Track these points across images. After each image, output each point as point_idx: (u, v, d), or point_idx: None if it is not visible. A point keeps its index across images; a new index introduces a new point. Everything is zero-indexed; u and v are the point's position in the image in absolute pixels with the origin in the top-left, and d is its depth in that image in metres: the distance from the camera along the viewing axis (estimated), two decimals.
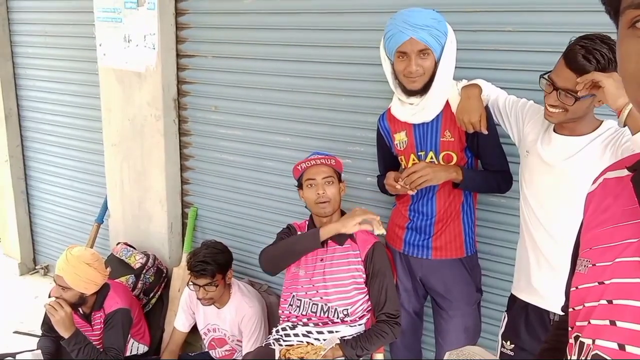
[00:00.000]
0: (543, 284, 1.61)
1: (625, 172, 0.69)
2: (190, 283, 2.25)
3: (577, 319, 0.67)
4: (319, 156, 2.01)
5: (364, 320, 2.02)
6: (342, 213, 2.05)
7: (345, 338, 1.94)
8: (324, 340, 1.92)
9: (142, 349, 2.59)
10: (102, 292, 2.35)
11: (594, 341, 0.62)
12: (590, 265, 0.66)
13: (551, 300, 1.60)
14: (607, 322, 0.60)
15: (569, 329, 0.69)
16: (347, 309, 1.97)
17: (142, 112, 2.80)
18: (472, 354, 1.14)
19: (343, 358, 1.88)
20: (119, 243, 2.97)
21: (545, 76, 1.48)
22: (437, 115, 1.79)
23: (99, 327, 2.36)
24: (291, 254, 1.98)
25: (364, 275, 1.97)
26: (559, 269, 1.56)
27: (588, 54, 1.36)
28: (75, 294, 2.26)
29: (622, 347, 0.58)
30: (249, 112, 2.62)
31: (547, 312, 1.62)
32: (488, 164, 1.84)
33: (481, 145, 1.78)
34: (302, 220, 2.15)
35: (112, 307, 2.34)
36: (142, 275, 2.77)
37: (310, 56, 2.36)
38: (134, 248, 2.93)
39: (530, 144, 1.60)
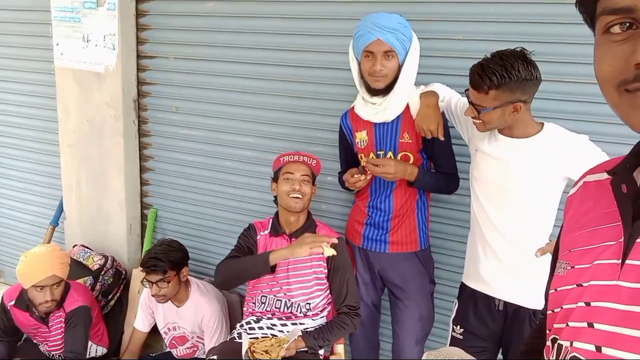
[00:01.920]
0: (490, 273, 1.74)
1: (604, 176, 0.69)
2: (144, 280, 2.26)
3: (555, 321, 0.67)
4: (302, 153, 2.07)
5: (325, 313, 2.10)
6: (309, 215, 2.12)
7: (308, 329, 2.01)
8: (287, 332, 1.98)
9: (101, 351, 2.57)
10: (62, 296, 2.32)
11: (571, 343, 0.62)
12: (570, 268, 0.67)
13: (497, 288, 1.74)
14: (584, 324, 0.61)
15: (547, 331, 0.70)
16: (309, 304, 2.04)
17: (101, 113, 2.77)
18: (450, 355, 1.18)
19: (305, 348, 1.95)
20: (75, 245, 2.92)
21: (467, 91, 1.65)
22: (398, 117, 1.90)
23: (58, 327, 2.33)
24: (243, 277, 2.03)
25: (326, 271, 2.05)
26: (505, 260, 1.71)
27: (482, 72, 1.53)
28: (62, 285, 2.27)
29: (598, 348, 0.58)
30: (210, 113, 2.66)
31: (493, 298, 1.76)
32: (440, 166, 1.97)
33: (436, 149, 1.91)
34: (265, 218, 2.20)
35: (73, 305, 2.32)
36: (101, 277, 2.74)
37: (270, 59, 2.43)
38: (91, 250, 2.89)
39: (479, 143, 1.74)
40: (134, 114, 2.82)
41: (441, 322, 2.16)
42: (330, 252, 1.83)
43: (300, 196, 2.00)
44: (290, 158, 2.05)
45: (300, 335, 1.94)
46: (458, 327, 1.85)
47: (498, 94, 1.53)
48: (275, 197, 2.09)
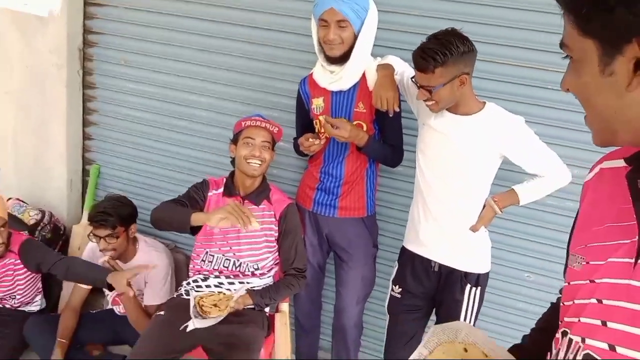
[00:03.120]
0: (428, 237, 1.88)
1: (622, 163, 0.68)
2: (91, 234, 2.22)
3: (567, 315, 0.68)
4: (264, 119, 2.06)
5: (272, 273, 2.17)
6: (264, 179, 2.14)
7: (255, 288, 2.08)
8: (235, 290, 2.04)
9: (42, 302, 2.51)
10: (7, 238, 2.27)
11: (583, 339, 0.63)
12: (585, 263, 0.67)
13: (434, 250, 1.88)
14: (598, 322, 0.61)
15: (559, 322, 0.71)
16: (258, 264, 2.10)
17: (43, 60, 2.63)
18: (457, 330, 1.21)
19: (252, 306, 2.02)
20: (10, 198, 2.79)
21: (412, 79, 1.73)
22: (354, 87, 1.96)
23: (12, 272, 2.29)
24: (168, 224, 1.99)
25: (276, 234, 2.11)
26: (443, 226, 1.85)
27: (424, 54, 1.62)
28: (6, 228, 2.23)
29: (612, 347, 0.59)
30: (162, 69, 2.59)
31: (430, 260, 1.90)
32: (388, 137, 2.05)
33: (387, 121, 1.98)
34: (220, 177, 2.21)
35: (19, 241, 2.29)
36: (37, 232, 2.66)
37: (229, 17, 2.39)
38: (27, 204, 2.78)
39: (426, 117, 1.84)
40: (79, 64, 2.69)
41: (381, 286, 2.30)
42: (255, 225, 1.82)
43: (259, 162, 2.02)
44: (253, 123, 2.04)
45: (247, 292, 2.00)
46: (397, 286, 1.99)
47: (443, 71, 1.62)
48: (233, 158, 2.10)
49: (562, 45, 0.63)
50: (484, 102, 1.78)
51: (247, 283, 2.08)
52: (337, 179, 2.06)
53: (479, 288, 1.88)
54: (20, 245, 2.29)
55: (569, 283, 0.69)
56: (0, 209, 2.22)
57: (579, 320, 0.64)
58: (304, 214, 2.17)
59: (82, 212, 2.88)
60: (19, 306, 2.42)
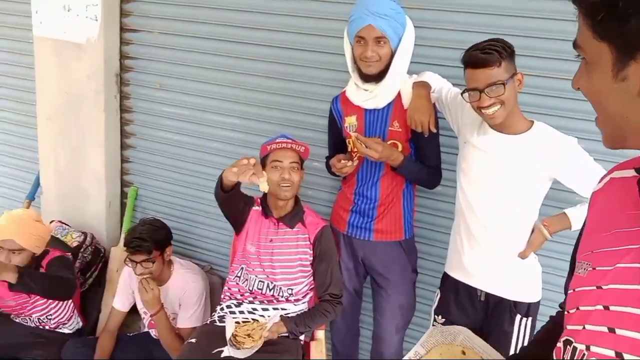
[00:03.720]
0: (473, 264, 1.76)
1: (632, 173, 0.68)
2: (128, 260, 2.22)
3: (570, 322, 0.66)
4: (289, 140, 2.01)
5: (307, 299, 2.10)
6: (297, 200, 2.09)
7: (289, 315, 2.01)
8: (269, 317, 1.98)
9: (79, 323, 2.52)
10: (40, 256, 2.29)
11: (588, 347, 0.61)
12: (591, 269, 0.65)
13: (479, 278, 1.76)
14: (604, 329, 0.59)
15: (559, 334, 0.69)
16: (292, 289, 2.04)
17: (81, 86, 2.68)
18: (456, 333, 1.16)
19: (287, 333, 1.95)
20: (52, 221, 2.85)
21: (463, 94, 1.60)
22: (389, 105, 1.88)
23: None
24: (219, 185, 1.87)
25: (311, 258, 2.04)
26: (488, 251, 1.72)
27: (486, 49, 1.52)
28: (27, 255, 2.21)
29: (619, 355, 0.57)
30: (195, 92, 2.59)
31: (475, 289, 1.78)
32: (425, 157, 1.95)
33: (423, 141, 1.89)
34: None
35: (51, 256, 2.30)
36: (80, 254, 2.69)
37: (262, 39, 2.37)
38: (70, 226, 2.83)
39: (468, 134, 1.73)
40: (116, 89, 2.73)
41: (422, 312, 2.19)
42: (265, 187, 1.68)
43: (289, 184, 1.97)
44: (278, 145, 2.00)
45: (281, 320, 1.94)
46: (439, 316, 1.87)
47: (507, 66, 1.53)
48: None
49: (576, 45, 0.62)
50: (532, 121, 1.65)
51: (282, 309, 2.02)
52: (372, 200, 1.98)
53: (530, 318, 1.75)
54: (48, 262, 2.30)
55: (573, 290, 0.67)
56: (21, 233, 2.16)
57: (584, 328, 0.62)
58: (339, 237, 2.09)
59: (121, 234, 2.90)
60: (55, 327, 2.44)
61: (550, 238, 1.69)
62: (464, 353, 1.31)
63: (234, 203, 2.00)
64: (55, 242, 2.66)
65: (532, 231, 1.70)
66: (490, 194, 1.68)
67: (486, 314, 1.79)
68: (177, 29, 2.55)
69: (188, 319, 2.29)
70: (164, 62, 2.63)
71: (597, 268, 0.64)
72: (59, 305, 2.40)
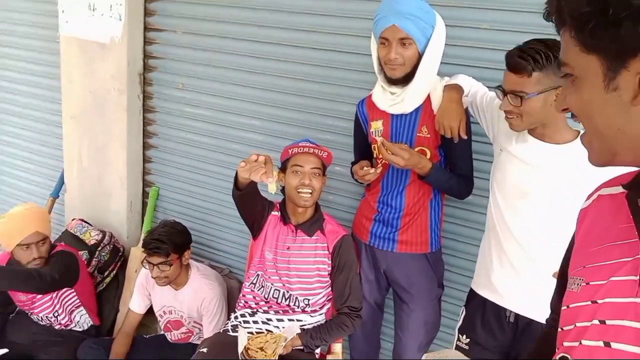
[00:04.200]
0: (503, 283, 1.63)
1: (620, 189, 0.68)
2: (145, 261, 2.19)
3: (566, 339, 0.65)
4: (312, 144, 1.92)
5: (324, 310, 2.01)
6: (317, 207, 2.01)
7: (305, 327, 1.92)
8: (283, 328, 1.90)
9: (87, 322, 2.50)
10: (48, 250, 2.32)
11: None
12: (584, 284, 0.65)
13: (509, 298, 1.63)
14: (600, 344, 0.59)
15: (556, 349, 0.68)
16: (309, 299, 1.95)
17: (104, 85, 2.67)
18: (449, 356, 1.17)
19: (301, 347, 1.87)
20: (73, 219, 2.85)
21: (497, 88, 1.49)
22: (417, 110, 1.77)
23: None
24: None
25: (329, 268, 1.95)
26: (520, 270, 1.59)
27: (522, 53, 1.38)
28: (48, 244, 2.29)
29: None
30: (218, 92, 2.54)
31: (504, 309, 1.65)
32: (456, 166, 1.84)
33: (454, 148, 1.78)
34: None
35: (57, 250, 2.35)
36: (97, 253, 2.68)
37: (284, 39, 2.30)
38: (90, 224, 2.82)
39: (505, 142, 1.60)
40: (139, 89, 2.71)
41: (447, 327, 2.07)
42: (273, 188, 1.63)
43: (310, 191, 1.87)
44: (300, 150, 1.90)
45: (297, 333, 1.85)
46: (464, 336, 1.74)
47: (542, 77, 1.39)
48: (283, 187, 1.98)
49: (562, 64, 0.62)
50: (578, 131, 1.51)
51: (297, 321, 1.93)
52: (397, 210, 1.87)
53: None
54: (53, 253, 2.32)
55: (567, 306, 0.67)
56: (40, 222, 2.26)
57: (581, 343, 0.62)
58: (360, 247, 1.99)
59: (141, 234, 2.88)
60: (67, 325, 2.44)
61: None
62: None
63: (249, 203, 1.92)
64: (70, 238, 2.67)
65: None
66: (527, 208, 1.55)
67: (514, 336, 1.66)
68: (200, 28, 2.50)
69: (213, 329, 2.23)
70: (187, 62, 2.59)
71: (590, 283, 0.64)
72: (60, 299, 2.38)
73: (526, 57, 1.38)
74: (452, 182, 1.81)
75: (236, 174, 1.77)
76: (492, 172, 1.69)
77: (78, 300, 2.44)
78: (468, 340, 1.72)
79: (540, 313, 1.59)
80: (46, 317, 2.40)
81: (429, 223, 1.88)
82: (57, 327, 2.43)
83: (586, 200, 0.76)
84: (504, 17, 1.85)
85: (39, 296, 2.32)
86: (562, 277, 0.76)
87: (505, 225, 1.60)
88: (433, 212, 1.88)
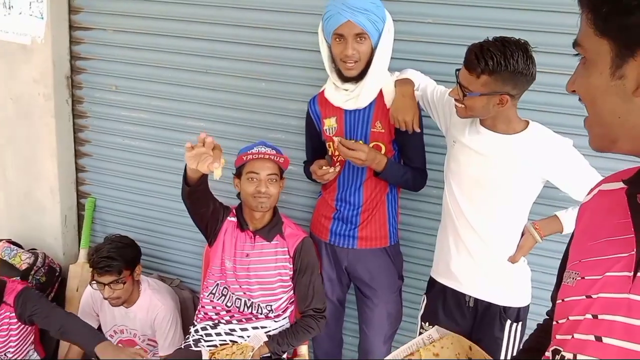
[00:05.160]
0: (461, 269, 1.68)
1: (620, 185, 0.68)
2: (94, 282, 2.03)
3: (559, 332, 0.66)
4: (268, 150, 1.84)
5: (287, 313, 1.97)
6: (275, 211, 1.95)
7: (271, 334, 1.88)
8: (248, 337, 1.84)
9: (35, 356, 2.30)
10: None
11: (575, 356, 0.61)
12: (579, 278, 0.65)
13: (468, 284, 1.69)
14: (592, 337, 0.59)
15: (548, 342, 0.68)
16: (272, 305, 1.90)
17: (28, 91, 2.44)
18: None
19: (269, 354, 1.82)
20: (0, 240, 2.60)
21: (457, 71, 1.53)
22: (370, 105, 1.77)
23: (7, 325, 2.06)
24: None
25: (291, 272, 1.91)
26: (476, 256, 1.64)
27: (480, 53, 1.41)
28: None
29: None
30: (156, 94, 2.40)
31: (464, 295, 1.70)
32: (410, 159, 1.85)
33: (408, 141, 1.79)
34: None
35: (15, 291, 2.06)
36: (31, 277, 2.45)
37: (225, 35, 2.20)
38: (20, 246, 2.58)
39: (458, 134, 1.64)
40: (67, 93, 2.51)
41: (409, 316, 2.10)
42: (219, 174, 1.48)
43: (266, 198, 1.82)
44: (255, 156, 1.83)
45: (264, 341, 1.80)
46: (427, 324, 1.79)
47: (489, 81, 1.43)
48: (239, 192, 1.90)
49: (576, 44, 0.63)
50: (527, 121, 1.57)
51: (262, 328, 1.88)
52: (355, 206, 1.86)
53: (520, 323, 1.69)
54: (15, 297, 2.06)
55: (562, 300, 0.67)
56: None
57: (573, 337, 0.63)
58: (321, 246, 1.97)
59: (79, 249, 2.68)
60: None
61: (541, 241, 1.63)
62: (470, 349, 1.44)
63: (201, 202, 1.82)
64: (2, 265, 2.43)
65: (522, 234, 1.63)
66: (481, 196, 1.60)
67: (475, 320, 1.72)
68: (133, 25, 2.34)
69: (169, 345, 2.13)
70: (119, 62, 2.42)
71: (586, 277, 0.64)
72: (19, 338, 2.16)
73: (480, 59, 1.41)
74: (407, 176, 1.83)
75: (185, 168, 1.66)
76: (446, 163, 1.73)
77: (33, 335, 2.22)
78: (431, 327, 1.76)
79: (497, 296, 1.66)
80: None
81: (387, 217, 1.89)
82: None
83: (587, 195, 0.76)
84: (446, 12, 1.88)
85: None
86: (561, 271, 0.77)
87: (461, 214, 1.65)
88: (390, 206, 1.89)
